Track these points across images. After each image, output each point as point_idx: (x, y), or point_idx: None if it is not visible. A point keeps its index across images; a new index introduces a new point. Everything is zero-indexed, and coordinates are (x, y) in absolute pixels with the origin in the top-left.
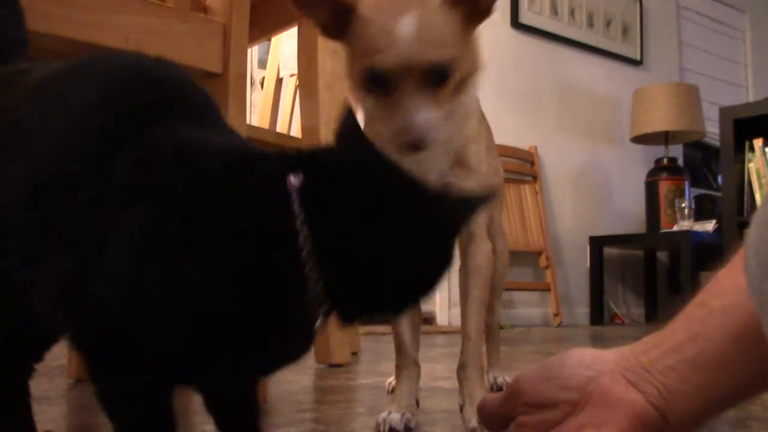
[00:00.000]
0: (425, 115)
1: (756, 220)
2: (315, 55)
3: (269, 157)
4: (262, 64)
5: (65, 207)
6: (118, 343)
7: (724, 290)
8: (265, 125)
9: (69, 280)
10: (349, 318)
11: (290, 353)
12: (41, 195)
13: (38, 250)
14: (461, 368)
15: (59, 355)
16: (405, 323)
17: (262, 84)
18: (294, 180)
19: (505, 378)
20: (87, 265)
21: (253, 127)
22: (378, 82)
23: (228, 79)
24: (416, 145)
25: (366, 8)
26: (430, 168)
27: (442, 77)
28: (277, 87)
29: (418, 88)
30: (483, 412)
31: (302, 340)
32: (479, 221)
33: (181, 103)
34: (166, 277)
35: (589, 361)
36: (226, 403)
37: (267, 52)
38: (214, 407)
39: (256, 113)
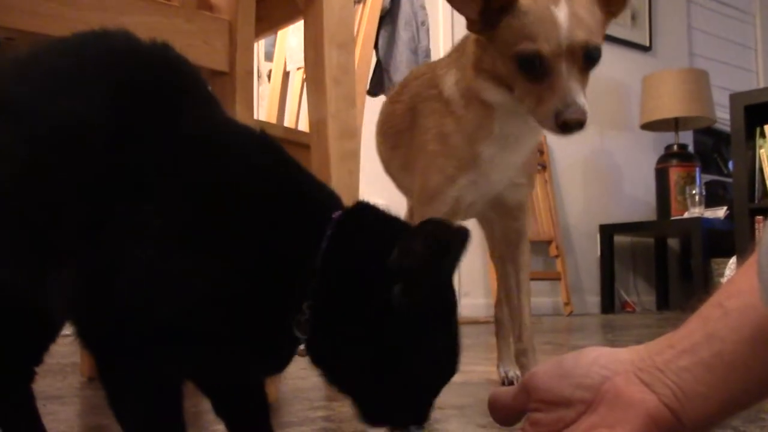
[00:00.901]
0: (582, 98)
1: None
2: (322, 48)
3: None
4: (269, 57)
5: (74, 196)
6: (132, 338)
7: (740, 291)
8: (273, 119)
9: (89, 276)
10: (316, 362)
11: (268, 363)
12: (42, 182)
13: (44, 244)
14: (522, 354)
15: (71, 353)
16: None
17: (269, 77)
18: (336, 217)
19: (516, 372)
20: (109, 259)
21: (261, 122)
22: (532, 67)
23: (235, 76)
24: (579, 123)
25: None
26: (510, 169)
27: (593, 61)
28: (284, 80)
29: (573, 71)
30: (495, 406)
31: (278, 355)
32: (525, 220)
33: (190, 90)
34: (188, 271)
35: (604, 360)
36: (234, 404)
37: (273, 44)
38: (222, 410)
39: (263, 106)
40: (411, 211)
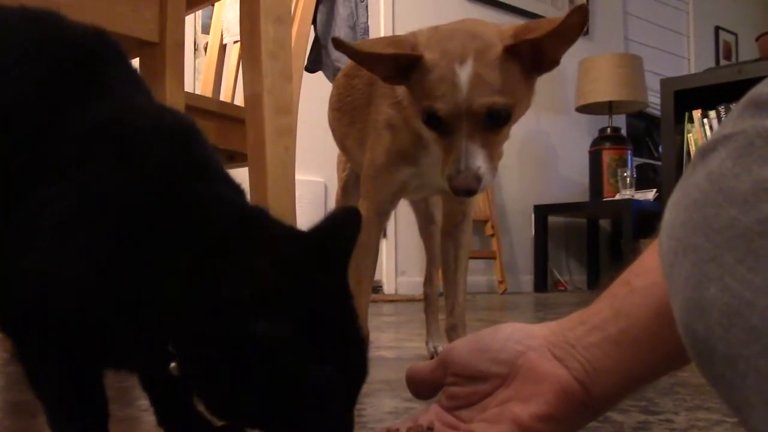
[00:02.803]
0: (479, 162)
1: (669, 203)
2: (258, 21)
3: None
4: (206, 29)
5: None
6: (41, 321)
7: (646, 269)
8: (209, 92)
9: None
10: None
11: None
12: None
13: None
14: (452, 329)
15: None
16: (366, 291)
17: (205, 50)
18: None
19: (444, 347)
20: (14, 244)
21: (196, 95)
22: (436, 123)
23: (165, 48)
24: (468, 191)
25: (429, 54)
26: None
27: (499, 122)
28: (220, 54)
29: (475, 132)
30: (413, 380)
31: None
32: (472, 203)
33: (112, 75)
34: (83, 262)
35: (519, 335)
36: (157, 381)
37: (211, 17)
38: (147, 386)
39: (199, 80)
40: (344, 187)
